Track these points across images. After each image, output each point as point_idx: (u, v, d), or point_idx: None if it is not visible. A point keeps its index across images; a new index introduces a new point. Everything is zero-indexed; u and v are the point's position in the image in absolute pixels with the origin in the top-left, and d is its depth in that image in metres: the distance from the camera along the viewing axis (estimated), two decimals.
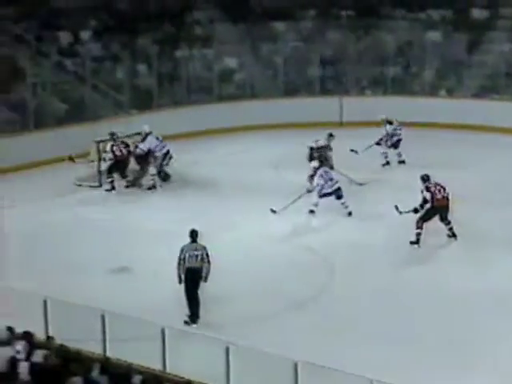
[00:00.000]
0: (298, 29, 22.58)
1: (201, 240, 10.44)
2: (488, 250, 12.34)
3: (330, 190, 13.92)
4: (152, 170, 15.92)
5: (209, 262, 10.30)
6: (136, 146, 15.99)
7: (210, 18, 22.23)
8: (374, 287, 11.21)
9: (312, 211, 13.91)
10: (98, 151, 15.92)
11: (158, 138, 15.98)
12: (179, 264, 10.27)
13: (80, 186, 15.90)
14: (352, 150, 16.16)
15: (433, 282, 11.34)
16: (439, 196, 12.60)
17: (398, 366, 8.98)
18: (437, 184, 12.70)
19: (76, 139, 16.64)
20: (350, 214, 13.94)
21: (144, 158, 15.99)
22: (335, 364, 8.10)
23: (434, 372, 8.99)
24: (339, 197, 13.97)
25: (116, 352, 9.06)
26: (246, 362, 8.54)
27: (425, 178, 12.73)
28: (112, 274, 11.82)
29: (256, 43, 21.89)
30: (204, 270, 10.29)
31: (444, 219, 12.72)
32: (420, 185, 12.67)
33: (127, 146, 15.91)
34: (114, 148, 15.72)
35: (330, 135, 15.81)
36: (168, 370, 8.97)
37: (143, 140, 16.00)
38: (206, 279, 10.34)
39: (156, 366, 8.96)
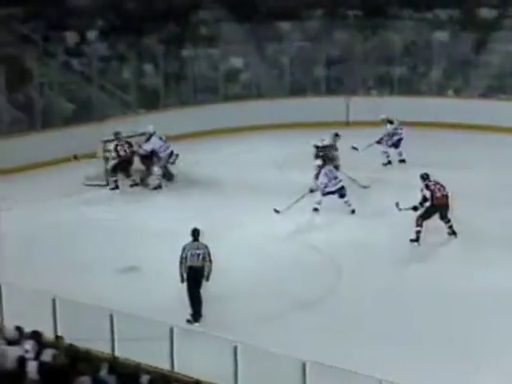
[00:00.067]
0: (304, 29, 22.58)
1: (205, 239, 10.46)
2: (489, 249, 12.36)
3: (333, 189, 14.03)
4: (157, 170, 15.95)
5: (210, 260, 10.32)
6: (139, 146, 16.03)
7: (216, 17, 22.24)
8: (378, 287, 11.23)
9: (316, 209, 14.06)
10: (105, 151, 15.96)
11: (161, 139, 16.01)
12: (181, 263, 10.31)
13: (89, 185, 15.94)
14: (353, 148, 16.19)
15: (436, 281, 11.36)
16: (439, 194, 12.67)
17: (405, 366, 9.00)
18: (436, 182, 12.78)
19: (83, 139, 16.67)
20: (353, 211, 14.03)
21: (149, 158, 16.03)
22: (342, 364, 8.10)
23: (441, 371, 9.00)
24: (342, 195, 14.08)
25: (124, 351, 9.08)
26: (254, 362, 8.55)
27: (424, 177, 12.81)
28: (120, 273, 11.85)
29: (262, 43, 21.89)
30: (206, 269, 10.31)
31: (444, 217, 12.78)
32: (420, 183, 12.73)
33: (131, 145, 15.96)
34: (118, 148, 15.78)
35: (336, 135, 15.85)
36: (176, 369, 8.99)
37: (147, 140, 16.05)
38: (207, 278, 10.36)
39: (164, 365, 8.98)
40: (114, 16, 21.85)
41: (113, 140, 15.90)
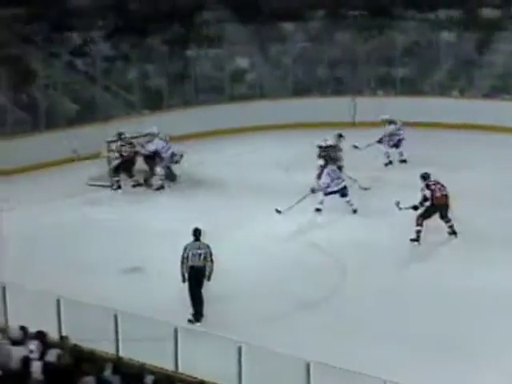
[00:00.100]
0: (307, 29, 22.58)
1: (208, 240, 10.48)
2: (490, 249, 12.36)
3: (336, 189, 14.07)
4: (159, 170, 15.97)
5: (212, 260, 10.33)
6: (142, 147, 16.05)
7: (220, 18, 22.24)
8: (381, 287, 11.25)
9: (318, 209, 14.09)
10: (109, 151, 15.99)
11: (163, 140, 16.03)
12: (182, 263, 10.32)
13: (93, 185, 15.95)
14: (354, 146, 16.20)
15: (437, 281, 11.37)
16: (439, 194, 12.70)
17: (407, 366, 9.02)
18: (437, 182, 12.81)
19: (87, 139, 16.68)
20: (355, 211, 14.06)
21: (152, 159, 16.05)
22: (346, 364, 8.10)
23: (441, 371, 9.02)
24: (344, 195, 14.11)
25: (128, 352, 9.09)
26: (258, 362, 8.55)
27: (425, 176, 12.84)
28: (123, 273, 11.87)
29: (265, 44, 21.90)
30: (207, 269, 10.32)
31: (444, 217, 12.80)
32: (420, 183, 12.75)
33: (133, 146, 15.98)
34: (121, 148, 15.80)
35: (340, 136, 15.84)
36: (180, 369, 8.99)
37: (150, 141, 16.07)
38: (209, 278, 10.37)
39: (168, 366, 8.99)
40: (117, 16, 21.87)
41: (116, 140, 15.92)
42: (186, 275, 10.33)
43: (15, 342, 8.60)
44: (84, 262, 12.16)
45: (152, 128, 16.19)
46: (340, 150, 15.64)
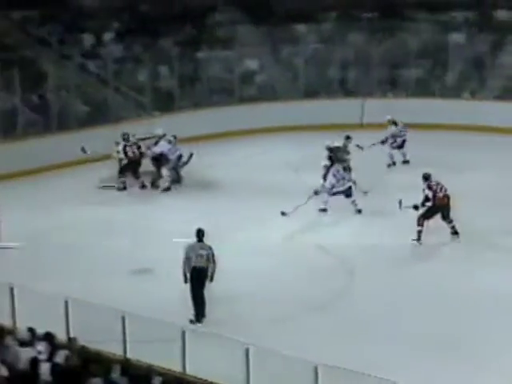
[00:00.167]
0: (320, 31, 22.55)
1: (216, 241, 10.50)
2: (492, 250, 12.39)
3: (341, 189, 14.15)
4: (166, 172, 16.00)
5: (214, 261, 10.34)
6: (148, 148, 16.10)
7: (232, 20, 22.26)
8: (387, 288, 11.25)
9: (323, 210, 14.17)
10: (117, 152, 16.03)
11: (170, 142, 16.05)
12: (184, 263, 10.35)
13: (104, 187, 16.01)
14: (358, 146, 16.17)
15: (439, 282, 11.38)
16: (440, 195, 12.74)
17: (412, 367, 9.04)
18: (438, 183, 12.84)
19: (98, 141, 16.73)
20: (359, 211, 14.12)
21: (159, 161, 16.09)
22: (354, 366, 8.07)
23: (441, 371, 9.04)
24: (348, 195, 14.16)
25: (136, 353, 9.10)
26: (265, 364, 8.55)
27: (426, 177, 12.85)
28: (131, 275, 11.89)
29: (277, 45, 21.89)
30: (210, 270, 10.33)
31: (445, 217, 12.83)
32: (422, 183, 12.78)
33: (139, 147, 16.03)
34: (127, 149, 15.87)
35: (347, 137, 15.85)
36: (188, 371, 9.00)
37: (156, 143, 16.11)
38: (211, 279, 10.39)
39: (176, 367, 8.99)
40: (129, 18, 21.94)
41: (123, 141, 15.94)
42: (188, 275, 10.35)
43: (23, 344, 8.66)
44: (93, 262, 12.20)
45: (157, 130, 16.23)
46: (348, 152, 15.61)
